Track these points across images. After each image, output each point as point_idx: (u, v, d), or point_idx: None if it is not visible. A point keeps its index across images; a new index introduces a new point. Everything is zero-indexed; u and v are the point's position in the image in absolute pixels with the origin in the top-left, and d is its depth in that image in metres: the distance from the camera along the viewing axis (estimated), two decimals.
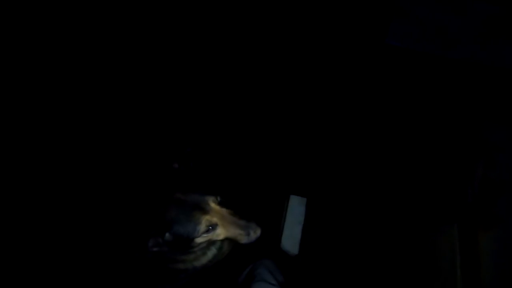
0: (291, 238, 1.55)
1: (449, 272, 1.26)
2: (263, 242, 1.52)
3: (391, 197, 1.56)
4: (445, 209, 1.36)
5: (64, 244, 1.48)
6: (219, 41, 1.93)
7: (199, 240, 1.01)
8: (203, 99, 1.85)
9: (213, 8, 1.91)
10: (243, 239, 1.03)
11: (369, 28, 1.91)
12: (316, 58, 1.92)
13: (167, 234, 0.97)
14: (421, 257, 1.42)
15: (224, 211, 1.02)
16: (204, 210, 0.99)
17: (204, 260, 1.16)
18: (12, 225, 1.51)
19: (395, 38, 1.92)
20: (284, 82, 1.88)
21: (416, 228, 1.47)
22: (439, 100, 1.70)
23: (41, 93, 1.74)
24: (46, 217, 1.54)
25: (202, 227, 0.98)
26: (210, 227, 1.00)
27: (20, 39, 1.76)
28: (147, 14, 1.90)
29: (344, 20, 1.95)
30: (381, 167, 1.65)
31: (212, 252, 1.17)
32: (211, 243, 1.13)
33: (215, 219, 1.00)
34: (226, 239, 1.20)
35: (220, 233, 1.03)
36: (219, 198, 1.04)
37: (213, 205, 1.01)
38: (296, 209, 1.59)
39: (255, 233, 1.03)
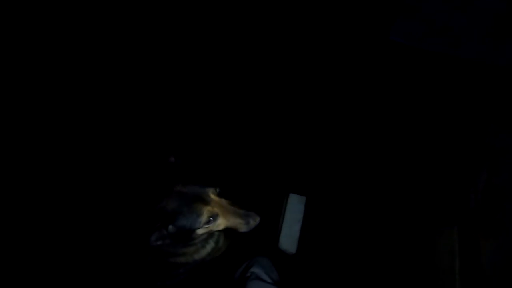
0: (289, 237, 1.54)
1: (448, 274, 1.25)
2: (261, 240, 1.54)
3: (392, 197, 1.55)
4: (446, 210, 1.35)
5: (64, 241, 1.47)
6: (220, 36, 1.90)
7: (200, 231, 1.02)
8: (204, 97, 1.82)
9: (206, 8, 1.88)
10: (243, 228, 1.06)
11: (373, 24, 1.87)
12: (317, 54, 1.89)
13: (170, 226, 0.97)
14: (420, 258, 1.41)
15: (223, 201, 1.05)
16: (205, 201, 1.01)
17: (203, 253, 1.17)
18: (12, 217, 1.50)
19: (399, 34, 1.88)
20: (285, 79, 1.85)
21: (416, 229, 1.46)
22: (443, 100, 1.68)
23: (38, 91, 1.73)
24: (46, 214, 1.53)
25: (204, 217, 1.00)
26: (211, 218, 1.01)
27: (19, 38, 1.76)
28: (140, 16, 1.87)
29: (349, 16, 1.91)
30: (382, 166, 1.63)
31: (210, 245, 1.19)
32: (209, 236, 1.15)
33: (215, 210, 1.02)
34: (222, 234, 1.25)
35: (221, 223, 1.05)
36: (218, 190, 1.06)
37: (213, 196, 1.04)
38: (295, 208, 1.58)
39: (255, 221, 1.06)
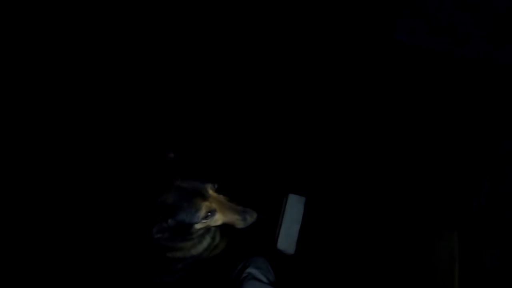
0: (288, 237, 1.52)
1: (447, 278, 1.24)
2: (259, 239, 1.53)
3: (392, 199, 1.53)
4: (446, 214, 1.33)
5: (64, 236, 1.48)
6: (219, 30, 1.87)
7: (198, 225, 1.04)
8: (205, 95, 1.81)
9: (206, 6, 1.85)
10: (240, 224, 1.07)
11: (377, 23, 1.84)
12: (320, 53, 1.86)
13: (170, 220, 0.99)
14: (419, 260, 1.41)
15: (221, 197, 1.06)
16: (204, 197, 1.03)
17: (200, 248, 1.19)
18: (12, 207, 1.50)
19: (403, 33, 1.85)
20: (287, 78, 1.83)
21: (416, 231, 1.45)
22: (447, 102, 1.65)
23: (40, 88, 1.73)
24: (46, 210, 1.53)
25: (203, 213, 1.01)
26: (209, 213, 1.03)
27: (19, 38, 1.75)
28: (139, 13, 1.86)
29: (353, 14, 1.88)
30: (384, 168, 1.62)
31: (206, 241, 1.21)
32: (206, 231, 1.17)
33: (214, 205, 1.04)
34: (218, 231, 1.27)
35: (218, 218, 1.06)
36: (216, 186, 1.08)
37: (211, 191, 1.05)
38: (294, 208, 1.56)
39: (252, 217, 1.07)
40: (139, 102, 1.76)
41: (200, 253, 1.19)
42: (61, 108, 1.71)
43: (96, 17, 1.84)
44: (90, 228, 1.47)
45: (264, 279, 1.25)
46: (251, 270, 1.26)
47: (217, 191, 1.08)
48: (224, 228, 1.31)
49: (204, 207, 1.02)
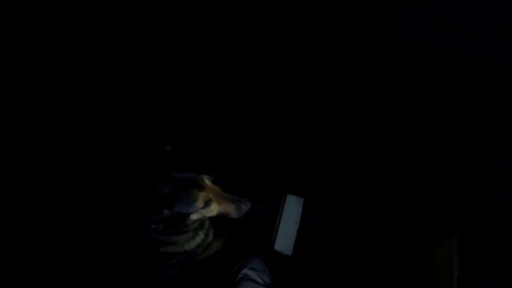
0: (285, 238, 1.51)
1: (445, 284, 1.24)
2: (255, 240, 1.52)
3: (392, 202, 1.52)
4: (446, 219, 1.32)
5: (57, 232, 1.46)
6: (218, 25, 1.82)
7: (194, 216, 1.05)
8: (204, 94, 1.77)
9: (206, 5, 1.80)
10: (235, 213, 1.09)
11: (380, 19, 1.79)
12: (322, 50, 1.82)
13: (165, 210, 0.99)
14: (418, 264, 1.40)
15: (217, 188, 1.09)
16: (201, 187, 1.04)
17: (193, 244, 1.19)
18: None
19: (407, 29, 1.81)
20: (287, 76, 1.79)
21: (414, 234, 1.44)
22: (451, 102, 1.62)
23: (39, 87, 1.70)
24: (38, 209, 1.51)
25: (199, 203, 1.02)
26: (206, 203, 1.04)
27: (18, 38, 1.73)
28: (137, 12, 1.82)
29: (355, 10, 1.83)
30: (384, 169, 1.60)
31: (200, 237, 1.21)
32: (199, 227, 1.18)
33: (210, 195, 1.05)
34: (212, 228, 1.27)
35: (214, 208, 1.08)
36: (212, 177, 1.10)
37: (207, 182, 1.07)
38: (292, 209, 1.54)
39: (246, 206, 1.10)
40: (135, 94, 1.73)
41: (193, 248, 1.19)
42: (58, 101, 1.68)
43: (95, 16, 1.81)
44: (82, 221, 1.44)
45: (260, 281, 1.25)
46: (247, 271, 1.26)
47: (213, 182, 1.10)
48: (219, 227, 1.31)
49: (201, 197, 1.02)
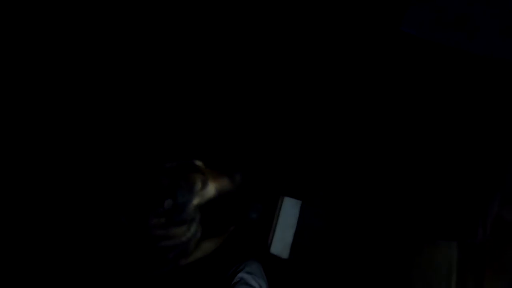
0: (282, 241, 1.51)
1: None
2: (252, 242, 1.51)
3: (391, 205, 1.50)
4: (446, 224, 1.31)
5: (55, 229, 1.42)
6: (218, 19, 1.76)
7: (196, 200, 1.07)
8: (202, 93, 1.73)
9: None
10: (230, 186, 1.16)
11: (383, 14, 1.74)
12: (322, 48, 1.76)
13: (167, 202, 1.02)
14: (417, 270, 1.40)
15: (210, 170, 1.14)
16: (196, 169, 1.10)
17: (188, 234, 1.19)
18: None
19: (410, 25, 1.75)
20: (286, 71, 1.74)
21: (414, 240, 1.43)
22: (456, 102, 1.58)
23: (33, 89, 1.65)
24: (36, 208, 1.47)
25: (199, 185, 1.06)
26: (203, 184, 1.08)
27: (18, 38, 1.67)
28: (135, 14, 1.74)
29: (357, 5, 1.77)
30: (385, 171, 1.57)
31: (193, 227, 1.21)
32: (193, 219, 1.17)
33: (206, 176, 1.10)
34: (200, 227, 1.24)
35: (211, 187, 1.11)
36: (205, 162, 1.16)
37: (200, 164, 1.13)
38: (289, 212, 1.53)
39: (239, 176, 1.19)
40: (134, 94, 1.69)
41: (189, 238, 1.19)
42: (58, 101, 1.65)
43: (95, 16, 1.74)
44: (81, 220, 1.43)
45: (256, 285, 1.24)
46: (243, 275, 1.25)
47: (206, 165, 1.15)
48: (211, 229, 1.30)
49: (199, 179, 1.06)
